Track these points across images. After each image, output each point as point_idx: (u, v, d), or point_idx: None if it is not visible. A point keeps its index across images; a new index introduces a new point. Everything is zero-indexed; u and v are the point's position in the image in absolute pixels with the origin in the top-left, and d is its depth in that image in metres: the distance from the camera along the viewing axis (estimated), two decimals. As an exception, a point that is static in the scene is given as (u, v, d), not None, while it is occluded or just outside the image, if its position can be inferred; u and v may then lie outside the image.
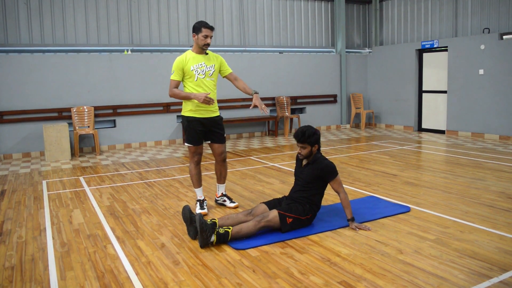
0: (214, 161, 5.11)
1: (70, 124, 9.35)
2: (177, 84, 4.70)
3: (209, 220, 3.95)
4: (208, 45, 4.67)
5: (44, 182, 6.66)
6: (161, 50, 10.59)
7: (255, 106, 4.69)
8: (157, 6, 10.50)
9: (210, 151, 8.54)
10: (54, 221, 4.71)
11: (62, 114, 9.30)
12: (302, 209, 4.14)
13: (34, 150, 9.12)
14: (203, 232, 3.74)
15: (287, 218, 4.03)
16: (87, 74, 9.51)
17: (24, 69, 8.92)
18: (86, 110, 9.33)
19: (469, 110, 10.44)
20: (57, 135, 8.51)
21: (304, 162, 4.35)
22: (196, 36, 4.65)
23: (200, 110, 4.72)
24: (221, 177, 5.09)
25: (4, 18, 9.01)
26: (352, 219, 4.19)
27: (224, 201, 5.09)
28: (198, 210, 4.80)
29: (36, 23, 9.31)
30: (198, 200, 4.91)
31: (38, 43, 9.34)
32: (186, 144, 4.85)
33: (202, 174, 5.83)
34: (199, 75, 4.68)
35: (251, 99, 11.30)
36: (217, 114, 4.89)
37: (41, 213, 5.04)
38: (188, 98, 4.64)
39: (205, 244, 3.76)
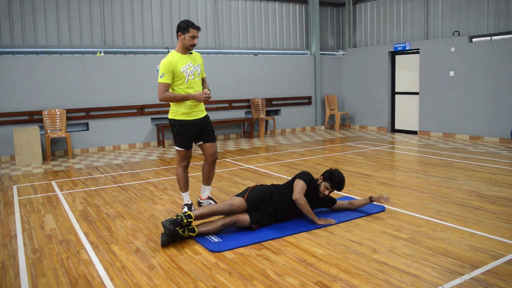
0: (197, 163, 5.07)
1: (42, 128, 9.15)
2: (168, 87, 4.51)
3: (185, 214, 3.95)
4: (194, 45, 4.56)
5: (14, 187, 6.50)
6: (135, 52, 10.47)
7: None
8: (131, 8, 10.39)
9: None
10: (25, 227, 4.60)
11: (33, 117, 9.09)
12: (267, 224, 4.29)
13: (4, 155, 8.88)
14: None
15: (252, 227, 4.22)
16: (59, 76, 9.31)
17: (-7, 71, 8.69)
18: (58, 113, 9.14)
19: (440, 111, 10.67)
20: (28, 139, 8.31)
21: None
22: (182, 36, 4.50)
23: (194, 111, 4.67)
24: (208, 179, 5.02)
25: (-29, 19, 8.77)
26: (371, 197, 4.72)
27: (210, 204, 5.03)
28: None
29: (6, 24, 9.08)
30: (185, 204, 4.85)
31: (8, 44, 9.11)
32: (176, 148, 4.74)
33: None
34: (189, 76, 4.59)
35: (226, 101, 11.30)
36: (205, 113, 4.87)
37: (11, 219, 4.91)
38: (186, 99, 4.52)
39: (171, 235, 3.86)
